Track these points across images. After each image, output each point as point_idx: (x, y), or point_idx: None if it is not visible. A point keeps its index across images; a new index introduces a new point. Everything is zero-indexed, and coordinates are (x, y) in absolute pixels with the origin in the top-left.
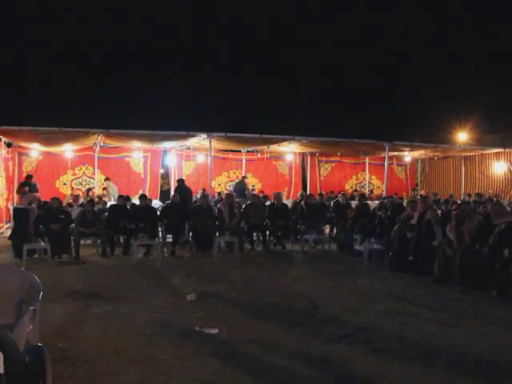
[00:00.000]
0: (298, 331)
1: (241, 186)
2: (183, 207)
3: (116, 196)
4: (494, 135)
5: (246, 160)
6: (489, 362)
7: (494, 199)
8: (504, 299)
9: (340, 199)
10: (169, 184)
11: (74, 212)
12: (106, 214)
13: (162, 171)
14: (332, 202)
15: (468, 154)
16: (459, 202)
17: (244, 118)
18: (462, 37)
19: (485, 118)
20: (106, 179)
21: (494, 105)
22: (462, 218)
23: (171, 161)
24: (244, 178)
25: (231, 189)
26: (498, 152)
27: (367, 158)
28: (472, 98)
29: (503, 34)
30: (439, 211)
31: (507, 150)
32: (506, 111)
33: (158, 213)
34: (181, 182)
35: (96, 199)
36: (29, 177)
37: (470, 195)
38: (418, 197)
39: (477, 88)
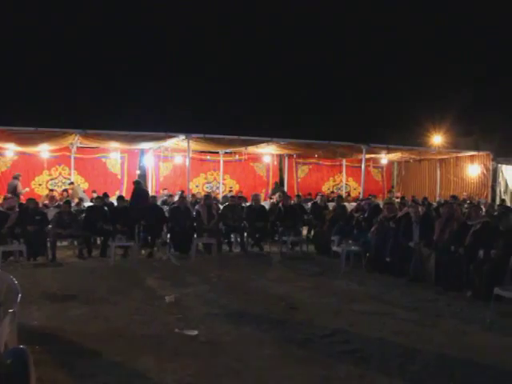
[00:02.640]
0: (277, 332)
1: None
2: (138, 210)
3: (84, 198)
4: (469, 138)
5: (224, 161)
6: (465, 362)
7: (468, 201)
8: (478, 299)
9: (318, 201)
10: (146, 185)
11: (51, 213)
12: (83, 215)
13: (139, 172)
14: (310, 204)
15: (443, 156)
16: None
17: (222, 120)
18: (438, 39)
19: (459, 122)
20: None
21: (468, 108)
22: (450, 216)
23: (148, 162)
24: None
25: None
26: (473, 155)
27: (344, 160)
28: (447, 101)
29: (477, 37)
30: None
31: (481, 153)
32: (479, 115)
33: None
34: (138, 183)
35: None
36: (14, 177)
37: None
38: (394, 198)
39: (451, 91)
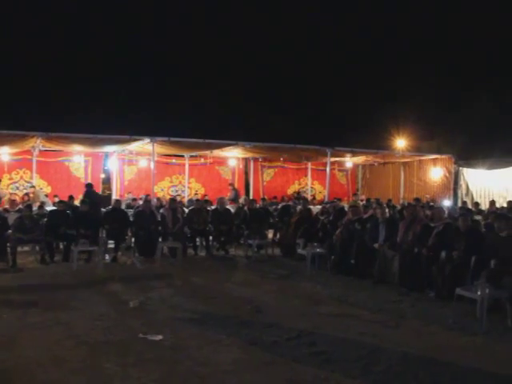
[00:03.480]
0: (242, 336)
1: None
2: (93, 214)
3: (46, 202)
4: (431, 142)
5: (189, 165)
6: (429, 361)
7: (431, 204)
8: (441, 300)
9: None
10: (110, 189)
11: (11, 217)
12: (45, 219)
13: (103, 176)
14: (280, 206)
15: (407, 160)
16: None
17: (187, 123)
18: (401, 44)
19: (422, 126)
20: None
21: (431, 113)
22: (413, 218)
23: (113, 165)
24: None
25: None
26: (435, 158)
27: (309, 164)
28: (410, 106)
29: (438, 41)
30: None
31: (443, 157)
32: (441, 119)
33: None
34: (89, 186)
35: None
36: None
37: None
38: (359, 201)
39: (414, 96)
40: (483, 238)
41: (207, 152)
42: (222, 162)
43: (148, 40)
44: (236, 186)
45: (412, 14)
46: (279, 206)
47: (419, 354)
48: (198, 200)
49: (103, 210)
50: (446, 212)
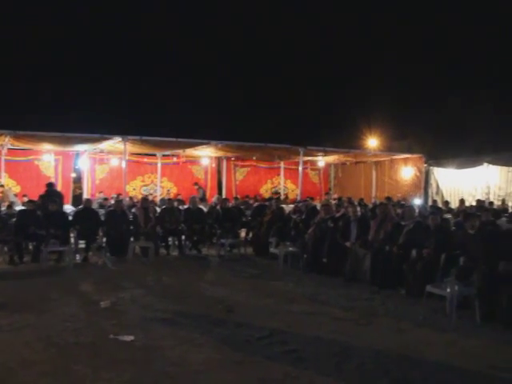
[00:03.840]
0: (214, 335)
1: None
2: (64, 213)
3: (15, 202)
4: (402, 142)
5: (162, 164)
6: (399, 358)
7: (402, 202)
8: (412, 297)
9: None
10: (81, 188)
11: None
12: (14, 219)
13: (74, 175)
14: (255, 205)
15: (378, 159)
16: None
17: (159, 122)
18: (374, 44)
19: (394, 126)
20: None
21: (402, 113)
22: (385, 217)
23: (84, 164)
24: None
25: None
26: (406, 158)
27: (282, 163)
28: (382, 105)
29: (410, 42)
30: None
31: (414, 156)
32: (412, 119)
33: (70, 218)
34: (50, 186)
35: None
36: None
37: (381, 202)
38: (331, 200)
39: (386, 96)
40: (452, 235)
41: (180, 151)
42: (194, 160)
43: (121, 38)
44: (209, 185)
45: (386, 13)
46: (255, 205)
47: (390, 351)
48: (170, 199)
49: (74, 209)
50: (417, 210)
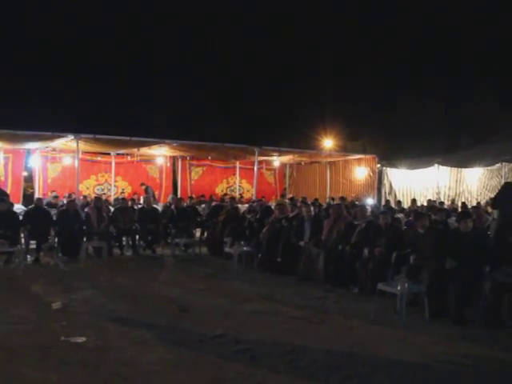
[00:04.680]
0: (168, 335)
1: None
2: (13, 213)
3: None
4: (357, 142)
5: (116, 163)
6: (351, 355)
7: (356, 202)
8: (364, 295)
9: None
10: (33, 187)
11: None
12: None
13: (25, 174)
14: (212, 205)
15: (333, 159)
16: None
17: (113, 120)
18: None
19: (348, 126)
20: None
21: (357, 114)
22: (338, 216)
23: (35, 163)
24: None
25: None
26: (360, 158)
27: (238, 163)
28: (337, 106)
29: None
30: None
31: (368, 157)
32: (367, 119)
33: (21, 218)
34: None
35: None
36: None
37: (333, 199)
38: (286, 200)
39: (341, 97)
40: (403, 234)
41: (134, 150)
42: (149, 160)
43: (76, 34)
44: (164, 184)
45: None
46: (213, 204)
47: (342, 348)
48: (123, 198)
49: (25, 208)
50: (369, 210)
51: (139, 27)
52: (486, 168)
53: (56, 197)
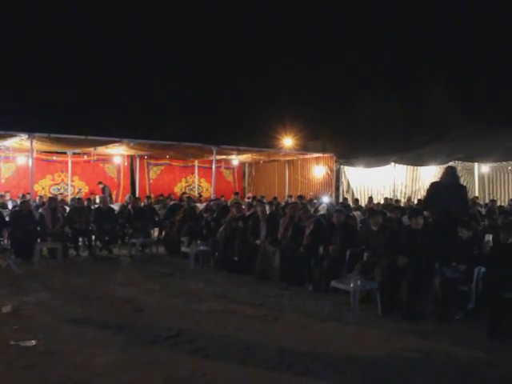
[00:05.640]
0: (121, 337)
1: None
2: None
3: None
4: (317, 141)
5: (73, 162)
6: (303, 352)
7: (314, 201)
8: (319, 293)
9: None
10: None
11: None
12: None
13: None
14: (170, 204)
15: (291, 158)
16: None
17: (69, 119)
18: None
19: (308, 125)
20: None
21: (317, 113)
22: (294, 214)
23: None
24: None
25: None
26: (318, 157)
27: (196, 161)
28: (297, 105)
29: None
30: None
31: (325, 155)
32: (326, 119)
33: None
34: None
35: None
36: None
37: (291, 196)
38: (246, 199)
39: (301, 96)
40: (357, 232)
41: (91, 149)
42: (106, 159)
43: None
44: (122, 183)
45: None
46: (170, 203)
47: (295, 346)
48: (79, 198)
49: None
50: (325, 208)
51: (99, 25)
52: (440, 166)
53: (1, 195)
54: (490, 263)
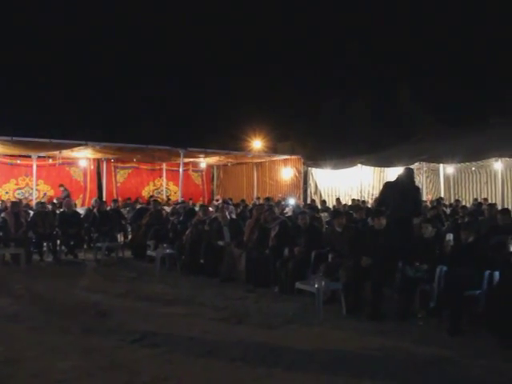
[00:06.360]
0: (84, 342)
1: None
2: None
3: None
4: (286, 143)
5: (38, 166)
6: (267, 353)
7: (283, 203)
8: (284, 295)
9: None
10: None
11: None
12: None
13: None
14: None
15: (259, 160)
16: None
17: (33, 122)
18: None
19: (278, 127)
20: None
21: (286, 115)
22: (259, 217)
23: None
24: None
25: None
26: (286, 159)
27: (164, 164)
28: (266, 107)
29: (296, 44)
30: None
31: (293, 157)
32: (296, 120)
33: None
34: None
35: None
36: None
37: (259, 198)
38: (215, 201)
39: (270, 98)
40: (322, 234)
41: (56, 152)
42: (72, 162)
43: None
44: (88, 187)
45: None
46: (137, 207)
47: (259, 348)
48: (43, 203)
49: None
50: (292, 210)
51: (61, 27)
52: (405, 167)
53: None
54: (451, 262)
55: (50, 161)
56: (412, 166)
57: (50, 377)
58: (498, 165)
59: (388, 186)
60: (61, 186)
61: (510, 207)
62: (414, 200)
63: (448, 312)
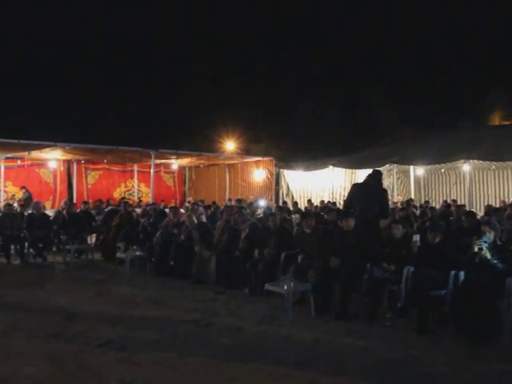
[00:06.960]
0: (49, 347)
1: None
2: None
3: None
4: (259, 145)
5: (6, 167)
6: (236, 356)
7: (254, 204)
8: (254, 296)
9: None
10: None
11: None
12: None
13: None
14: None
15: (231, 162)
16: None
17: (1, 122)
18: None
19: (250, 129)
20: None
21: (260, 116)
22: (229, 218)
23: None
24: None
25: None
26: (258, 160)
27: (136, 166)
28: (239, 109)
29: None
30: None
31: (265, 159)
32: (269, 121)
33: None
34: None
35: None
36: None
37: (230, 200)
38: (187, 203)
39: (243, 99)
40: (291, 235)
41: (24, 153)
42: (42, 163)
43: None
44: (59, 189)
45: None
46: (107, 209)
47: (228, 350)
48: (10, 204)
49: None
50: (262, 211)
51: (35, 26)
52: (373, 169)
53: None
54: (418, 263)
55: (19, 162)
56: (383, 168)
57: (15, 382)
58: (466, 166)
59: (355, 187)
60: (23, 187)
61: (477, 207)
62: (380, 202)
63: (415, 312)
